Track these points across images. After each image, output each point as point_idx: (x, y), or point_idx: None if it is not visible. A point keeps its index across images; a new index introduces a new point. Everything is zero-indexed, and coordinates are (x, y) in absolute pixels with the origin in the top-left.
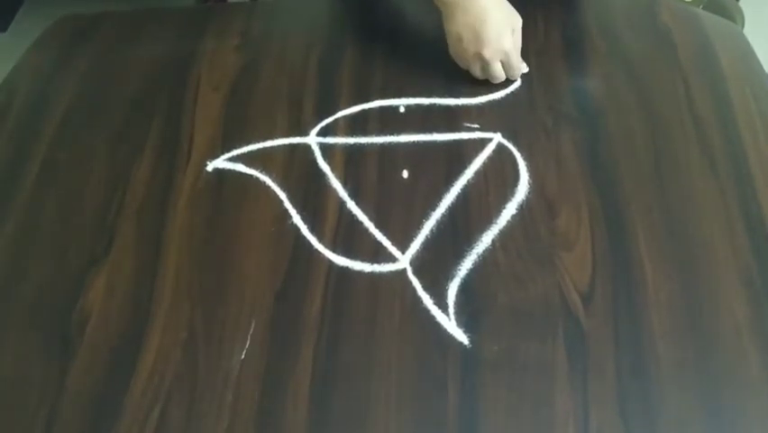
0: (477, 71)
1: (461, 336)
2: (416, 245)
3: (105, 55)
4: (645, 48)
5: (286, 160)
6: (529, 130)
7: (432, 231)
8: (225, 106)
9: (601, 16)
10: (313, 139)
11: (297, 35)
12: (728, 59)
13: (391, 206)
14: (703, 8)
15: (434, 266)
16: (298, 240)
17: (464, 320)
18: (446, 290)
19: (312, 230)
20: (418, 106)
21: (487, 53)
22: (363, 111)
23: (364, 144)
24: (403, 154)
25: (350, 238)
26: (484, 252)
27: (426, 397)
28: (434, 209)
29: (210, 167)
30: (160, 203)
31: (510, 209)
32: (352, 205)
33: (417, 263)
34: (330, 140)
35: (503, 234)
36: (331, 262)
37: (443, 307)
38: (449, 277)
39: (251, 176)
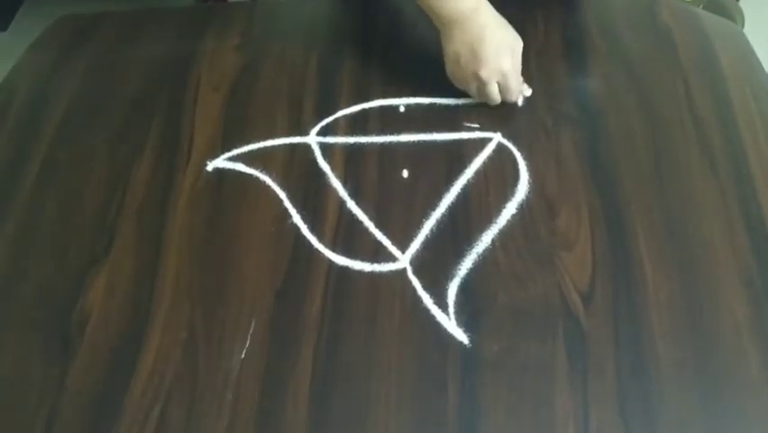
0: (474, 92)
1: (461, 336)
2: (415, 245)
3: (105, 55)
4: (645, 48)
5: (286, 159)
6: (529, 130)
7: (432, 231)
8: (225, 106)
9: (601, 16)
10: (313, 138)
11: (297, 35)
12: (728, 59)
13: (391, 205)
14: (703, 8)
15: (434, 266)
16: (298, 240)
17: (464, 320)
18: (446, 289)
19: (312, 230)
20: (418, 106)
21: (484, 73)
22: (363, 111)
23: (364, 144)
24: (403, 154)
25: (350, 238)
26: (484, 251)
27: (426, 397)
28: (434, 209)
29: (210, 167)
30: (159, 203)
31: (510, 209)
32: (351, 204)
33: (417, 263)
34: (330, 139)
35: (503, 233)
36: (331, 262)
37: (443, 306)
38: (449, 277)
39: (250, 175)
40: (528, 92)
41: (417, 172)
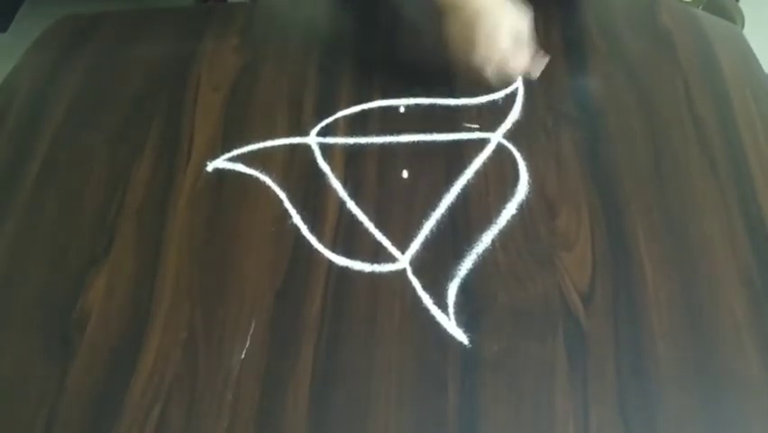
0: (472, 76)
1: (461, 336)
2: (415, 245)
3: (105, 55)
4: (645, 48)
5: (286, 160)
6: (529, 130)
7: (432, 231)
8: (225, 106)
9: (601, 16)
10: (313, 139)
11: (297, 35)
12: (728, 60)
13: (391, 206)
14: (703, 9)
15: (434, 266)
16: (298, 240)
17: (464, 320)
18: (446, 290)
19: (312, 230)
20: (418, 106)
21: (475, 60)
22: (363, 111)
23: (364, 144)
24: (403, 154)
25: (350, 238)
26: (484, 252)
27: (426, 397)
28: (433, 209)
29: (210, 167)
30: (159, 203)
31: (510, 209)
32: (351, 205)
33: (417, 263)
34: (330, 140)
35: (503, 234)
36: (331, 262)
37: (443, 307)
38: (449, 277)
39: (250, 176)
40: (545, 60)
41: (417, 173)
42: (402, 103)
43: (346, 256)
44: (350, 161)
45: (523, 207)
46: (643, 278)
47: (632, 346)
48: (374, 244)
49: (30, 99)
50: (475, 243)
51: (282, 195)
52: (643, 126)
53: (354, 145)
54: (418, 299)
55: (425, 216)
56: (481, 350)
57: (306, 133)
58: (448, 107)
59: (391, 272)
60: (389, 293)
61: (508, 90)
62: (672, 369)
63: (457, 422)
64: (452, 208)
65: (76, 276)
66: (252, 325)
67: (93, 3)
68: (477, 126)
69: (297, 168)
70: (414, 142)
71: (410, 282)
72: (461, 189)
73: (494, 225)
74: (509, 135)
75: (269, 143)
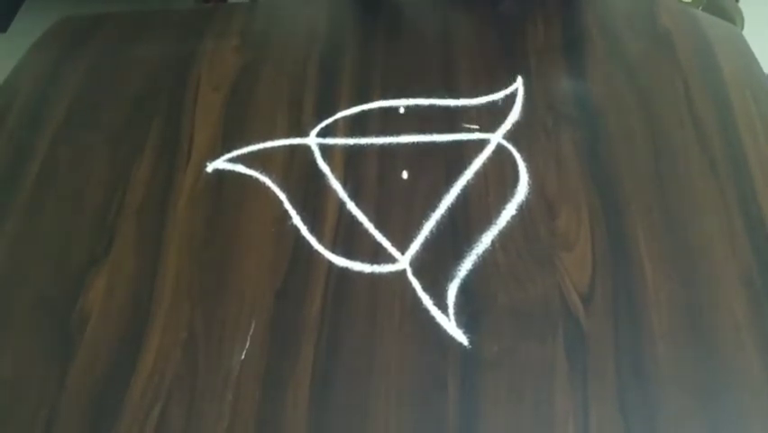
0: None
1: (461, 337)
2: (415, 246)
3: (106, 56)
4: (645, 48)
5: (286, 160)
6: (529, 130)
7: (431, 232)
8: (225, 106)
9: (601, 16)
10: (313, 140)
11: (297, 35)
12: (728, 61)
13: (391, 206)
14: (703, 9)
15: (434, 267)
16: (298, 240)
17: (464, 321)
18: (446, 290)
19: (312, 230)
20: (418, 107)
21: None
22: (363, 112)
23: (364, 145)
24: (403, 155)
25: (350, 239)
26: (484, 252)
27: (426, 397)
28: (433, 210)
29: (210, 168)
30: (159, 203)
31: (510, 210)
32: (351, 205)
33: (417, 264)
34: (330, 140)
35: (503, 234)
36: (331, 263)
37: (442, 307)
38: (449, 278)
39: (250, 176)
40: None
41: (417, 173)
42: (402, 103)
43: (346, 257)
44: (350, 162)
45: (523, 208)
46: (643, 278)
47: (632, 346)
48: (374, 244)
49: (30, 99)
50: (475, 243)
51: (282, 195)
52: (643, 126)
53: (354, 146)
54: (418, 300)
55: (424, 216)
56: (481, 350)
57: (305, 134)
58: (448, 108)
59: (391, 273)
60: (389, 294)
61: (508, 90)
62: (671, 369)
63: (457, 422)
64: (452, 209)
65: (76, 276)
66: (252, 325)
67: (93, 3)
68: (477, 127)
69: (297, 168)
70: (413, 142)
71: (410, 283)
72: (461, 190)
73: (494, 225)
74: (509, 136)
75: (269, 144)
